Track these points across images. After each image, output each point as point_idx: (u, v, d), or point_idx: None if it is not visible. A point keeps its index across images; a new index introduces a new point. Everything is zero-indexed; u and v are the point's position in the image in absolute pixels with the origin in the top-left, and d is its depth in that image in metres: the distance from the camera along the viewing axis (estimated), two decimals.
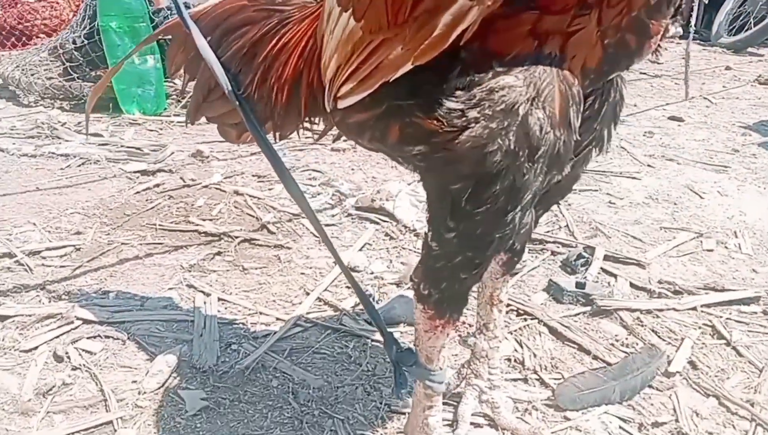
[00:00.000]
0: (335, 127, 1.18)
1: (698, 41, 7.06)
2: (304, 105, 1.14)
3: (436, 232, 1.04)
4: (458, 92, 0.90)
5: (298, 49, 1.13)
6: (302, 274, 1.97)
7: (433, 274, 1.09)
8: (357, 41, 0.93)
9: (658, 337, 1.73)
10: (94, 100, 1.53)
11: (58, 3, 4.78)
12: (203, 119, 1.41)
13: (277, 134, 1.26)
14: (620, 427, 1.42)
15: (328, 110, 1.06)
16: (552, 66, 0.91)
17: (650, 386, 1.55)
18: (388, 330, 1.22)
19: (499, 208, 0.95)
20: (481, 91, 0.89)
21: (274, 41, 1.17)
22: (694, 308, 1.87)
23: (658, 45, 0.99)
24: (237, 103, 1.26)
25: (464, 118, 0.90)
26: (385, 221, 2.32)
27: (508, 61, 0.90)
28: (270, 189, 2.57)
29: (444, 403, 1.45)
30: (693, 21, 4.58)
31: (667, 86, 4.69)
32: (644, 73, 5.06)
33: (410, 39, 0.85)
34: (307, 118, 1.19)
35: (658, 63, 5.45)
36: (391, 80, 0.90)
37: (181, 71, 1.45)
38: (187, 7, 1.33)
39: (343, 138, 1.22)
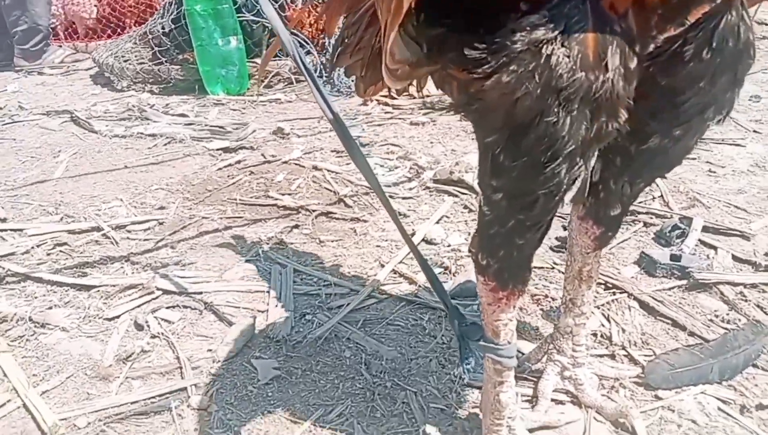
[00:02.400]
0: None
1: None
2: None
3: (484, 194, 0.98)
4: (485, 37, 0.83)
5: None
6: (378, 246, 1.93)
7: (488, 242, 1.02)
8: None
9: (765, 313, 1.58)
10: (268, 60, 1.54)
11: None
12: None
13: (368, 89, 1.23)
14: (719, 409, 1.30)
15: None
16: (586, 2, 0.81)
17: (754, 365, 1.41)
18: (454, 304, 1.15)
19: (537, 159, 0.88)
20: (504, 33, 0.82)
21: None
22: None
23: None
24: (301, 66, 1.23)
25: (489, 64, 0.83)
26: (464, 193, 2.24)
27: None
28: (348, 163, 2.54)
29: (524, 379, 1.38)
30: None
31: None
32: None
33: None
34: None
35: (765, 24, 5.03)
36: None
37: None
38: None
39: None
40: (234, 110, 3.38)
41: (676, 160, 1.12)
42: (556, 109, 0.84)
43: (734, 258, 1.82)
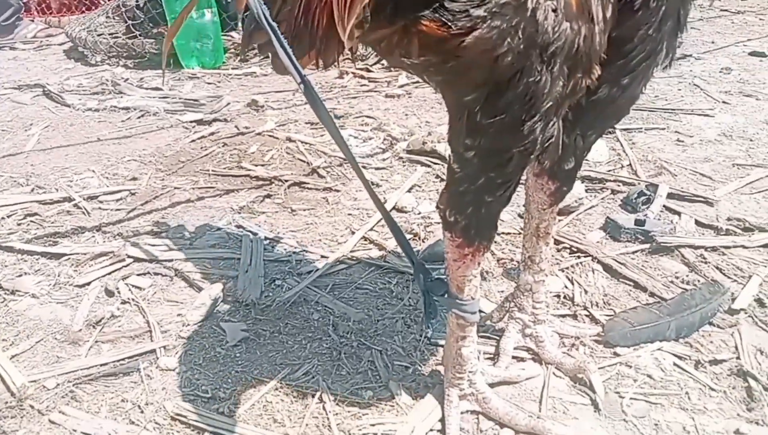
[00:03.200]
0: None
1: None
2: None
3: (456, 152, 0.99)
4: None
5: None
6: (349, 214, 1.95)
7: (457, 199, 1.04)
8: None
9: (723, 274, 1.62)
10: (167, 47, 1.54)
11: None
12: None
13: (320, 61, 1.22)
14: (674, 364, 1.35)
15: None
16: None
17: (710, 323, 1.45)
18: (419, 260, 1.18)
19: (515, 117, 0.89)
20: None
21: None
22: (766, 245, 1.73)
23: None
24: (268, 27, 1.23)
25: (469, 18, 0.82)
26: (436, 163, 2.26)
27: None
28: (322, 135, 2.55)
29: (486, 338, 1.42)
30: None
31: (750, 22, 4.34)
32: (725, 10, 4.70)
33: None
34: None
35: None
36: None
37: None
38: None
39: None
40: (209, 84, 3.36)
41: (624, 109, 1.15)
42: (538, 66, 0.84)
43: (697, 223, 1.86)
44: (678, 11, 1.01)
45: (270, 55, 1.41)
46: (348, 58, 1.23)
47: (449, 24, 0.84)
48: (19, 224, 1.92)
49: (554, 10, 0.81)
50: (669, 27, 1.01)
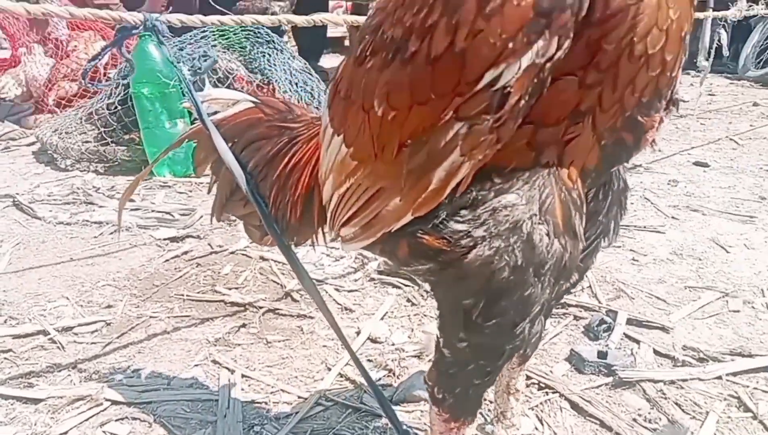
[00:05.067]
0: None
1: (726, 74, 7.03)
2: (317, 220, 1.19)
3: (447, 341, 1.07)
4: (463, 211, 0.93)
5: (308, 168, 1.18)
6: (324, 346, 2.00)
7: (446, 380, 1.11)
8: (349, 170, 0.98)
9: (682, 410, 1.71)
10: (126, 199, 1.61)
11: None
12: None
13: (293, 241, 1.31)
14: None
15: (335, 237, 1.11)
16: (551, 175, 0.93)
17: None
18: (404, 427, 1.23)
19: (509, 321, 0.98)
20: (484, 210, 0.92)
21: (286, 159, 1.23)
22: (720, 377, 1.84)
23: (654, 138, 1.02)
24: (256, 204, 1.32)
25: (470, 238, 0.92)
26: (406, 286, 2.35)
27: (508, 172, 0.93)
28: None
29: None
30: (711, 55, 4.55)
31: (693, 127, 4.67)
32: None
33: (407, 191, 0.89)
34: (320, 230, 1.24)
35: (684, 101, 5.43)
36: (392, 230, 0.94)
37: (207, 170, 1.53)
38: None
39: None
40: (180, 193, 3.43)
41: (580, 276, 1.26)
42: (532, 280, 0.94)
43: (655, 352, 1.97)
44: (620, 198, 1.16)
45: (244, 224, 1.52)
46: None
47: (450, 240, 0.94)
48: None
49: (547, 234, 0.92)
50: (615, 211, 1.15)
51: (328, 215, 1.09)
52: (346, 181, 0.99)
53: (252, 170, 1.34)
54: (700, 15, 3.89)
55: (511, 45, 0.76)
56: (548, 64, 0.78)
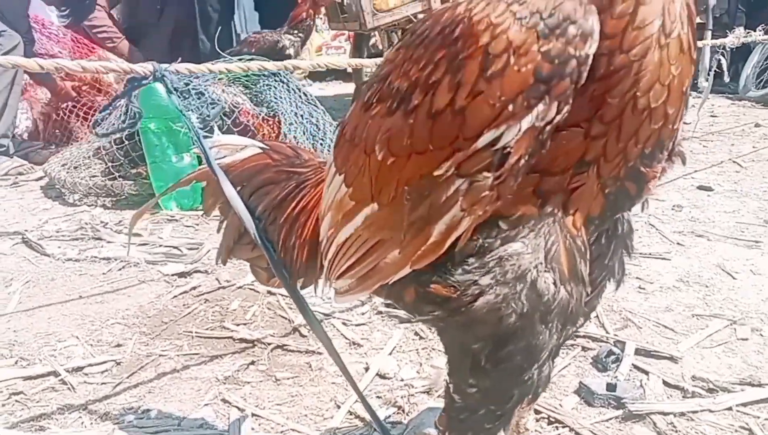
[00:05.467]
0: None
1: (727, 94, 7.07)
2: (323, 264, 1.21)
3: (457, 386, 1.08)
4: (470, 259, 0.95)
5: (315, 212, 1.21)
6: (333, 383, 2.01)
7: (458, 425, 1.12)
8: (347, 210, 1.00)
9: None
10: (135, 224, 1.64)
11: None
12: None
13: (301, 283, 1.32)
14: None
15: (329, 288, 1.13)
16: (556, 222, 0.95)
17: None
18: None
19: (517, 366, 0.99)
20: (491, 258, 0.94)
21: (293, 204, 1.25)
22: (730, 408, 1.84)
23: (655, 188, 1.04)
24: (264, 248, 1.34)
25: (478, 286, 0.94)
26: (414, 319, 2.35)
27: (514, 220, 0.95)
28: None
29: None
30: (711, 76, 4.58)
31: (696, 150, 4.69)
32: None
33: (407, 243, 0.91)
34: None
35: (686, 123, 5.45)
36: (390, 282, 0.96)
37: (216, 211, 1.56)
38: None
39: None
40: (188, 226, 3.46)
41: (585, 319, 1.28)
42: (539, 326, 0.96)
43: (665, 383, 1.96)
44: (626, 241, 1.17)
45: (251, 265, 1.54)
46: None
47: (458, 288, 0.96)
48: (3, 405, 1.93)
49: (553, 282, 0.93)
50: (620, 253, 1.17)
51: (325, 265, 1.11)
52: (344, 224, 1.02)
53: (260, 214, 1.36)
54: (699, 43, 3.93)
55: (511, 107, 0.79)
56: (548, 127, 0.81)
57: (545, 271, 0.94)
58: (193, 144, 3.41)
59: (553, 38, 0.78)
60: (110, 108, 3.61)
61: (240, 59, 3.53)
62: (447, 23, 0.84)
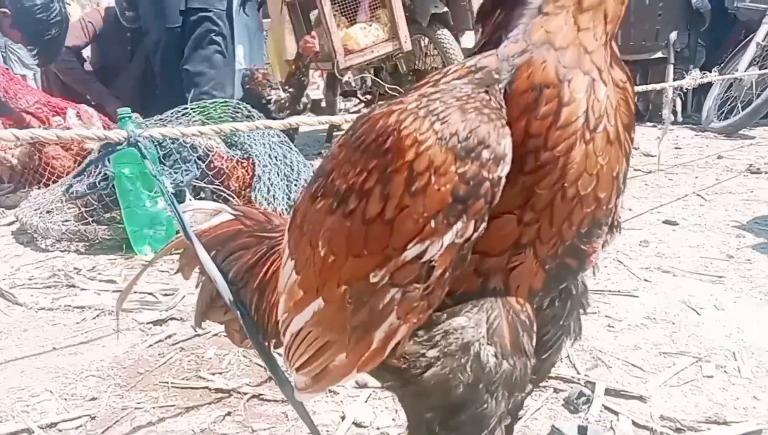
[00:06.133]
0: None
1: (690, 125, 7.28)
2: None
3: None
4: (419, 332, 1.00)
5: None
6: (309, 434, 2.02)
7: None
8: (297, 299, 1.04)
9: None
10: (121, 305, 1.67)
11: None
12: None
13: (273, 345, 1.36)
14: None
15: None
16: (498, 298, 1.00)
17: None
18: None
19: (469, 432, 1.03)
20: (437, 332, 0.99)
21: (265, 268, 1.29)
22: None
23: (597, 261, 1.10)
24: (237, 312, 1.38)
25: (425, 358, 0.99)
26: None
27: (458, 296, 1.00)
28: None
29: None
30: (668, 116, 4.74)
31: (662, 183, 4.82)
32: (638, 169, 5.20)
33: (352, 348, 0.96)
34: None
35: (651, 156, 5.61)
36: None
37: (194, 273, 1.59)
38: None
39: None
40: (162, 271, 3.45)
41: (546, 375, 1.32)
42: (485, 396, 1.00)
43: (634, 423, 2.01)
44: (581, 300, 1.23)
45: (225, 327, 1.57)
46: None
47: (408, 359, 1.00)
48: None
49: (495, 355, 0.98)
50: (575, 314, 1.22)
51: (284, 353, 1.14)
52: (296, 312, 1.05)
53: (233, 279, 1.40)
54: (657, 86, 4.09)
55: (433, 224, 0.85)
56: (467, 244, 0.86)
57: (488, 344, 0.99)
58: (167, 208, 3.45)
59: (468, 161, 0.83)
60: (83, 174, 3.64)
61: (209, 109, 3.59)
62: (380, 132, 0.89)
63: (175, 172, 3.18)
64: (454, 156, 0.83)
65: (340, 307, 0.95)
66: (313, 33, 5.29)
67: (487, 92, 0.87)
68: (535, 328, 1.05)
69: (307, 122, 1.66)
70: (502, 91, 0.88)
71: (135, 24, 6.11)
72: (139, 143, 1.38)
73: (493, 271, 0.96)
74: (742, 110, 6.64)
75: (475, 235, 0.85)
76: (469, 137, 0.83)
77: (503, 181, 0.84)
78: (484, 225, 0.86)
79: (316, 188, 1.01)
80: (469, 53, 0.97)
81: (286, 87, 5.32)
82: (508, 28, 0.90)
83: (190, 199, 1.34)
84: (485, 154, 0.83)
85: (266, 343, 1.36)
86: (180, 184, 3.12)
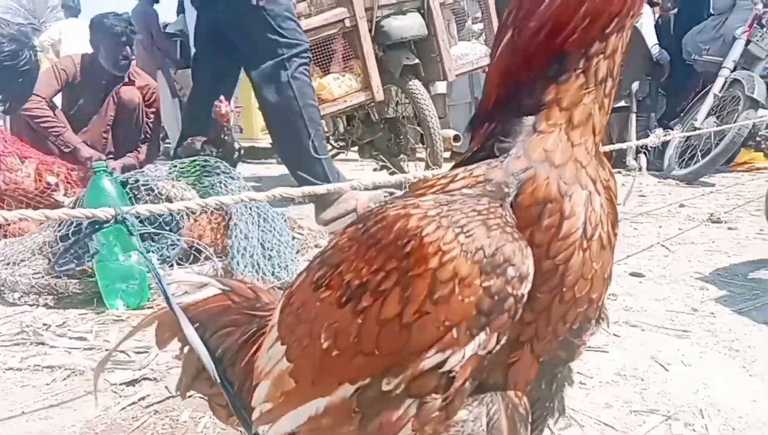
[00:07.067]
0: None
1: (653, 172, 7.51)
2: None
3: None
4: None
5: None
6: None
7: None
8: (287, 389, 1.06)
9: None
10: (101, 371, 1.66)
11: None
12: None
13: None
14: None
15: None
16: (497, 391, 1.04)
17: None
18: None
19: None
20: (439, 425, 1.02)
21: (254, 349, 1.31)
22: None
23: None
24: (224, 389, 1.39)
25: None
26: None
27: None
28: None
29: None
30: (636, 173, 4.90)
31: (627, 233, 4.94)
32: None
33: None
34: None
35: (619, 204, 5.75)
36: None
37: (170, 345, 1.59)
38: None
39: None
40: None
41: None
42: None
43: None
44: (565, 383, 1.28)
45: (209, 403, 1.58)
46: None
47: None
48: None
49: None
50: (560, 395, 1.27)
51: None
52: (285, 408, 1.06)
53: (221, 356, 1.41)
54: (623, 145, 4.25)
55: (455, 333, 0.87)
56: (488, 356, 0.90)
57: None
58: (151, 283, 3.46)
59: (494, 276, 0.87)
60: (70, 251, 3.63)
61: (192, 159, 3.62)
62: (400, 234, 0.91)
63: (161, 248, 3.18)
64: (479, 269, 0.86)
65: (345, 415, 0.95)
66: (222, 97, 4.94)
67: (501, 206, 0.92)
68: (530, 419, 1.09)
69: (290, 193, 1.69)
70: (510, 204, 0.93)
71: (124, 72, 6.14)
72: (126, 220, 1.40)
73: (493, 368, 1.01)
74: (702, 158, 6.90)
75: (497, 347, 0.89)
76: (495, 253, 0.86)
77: (525, 298, 0.89)
78: (505, 338, 0.89)
79: (320, 277, 1.02)
80: (462, 157, 1.02)
81: (209, 147, 5.09)
82: (502, 139, 0.96)
83: (175, 271, 1.35)
84: (510, 271, 0.87)
85: (252, 422, 1.37)
86: (167, 259, 3.12)
